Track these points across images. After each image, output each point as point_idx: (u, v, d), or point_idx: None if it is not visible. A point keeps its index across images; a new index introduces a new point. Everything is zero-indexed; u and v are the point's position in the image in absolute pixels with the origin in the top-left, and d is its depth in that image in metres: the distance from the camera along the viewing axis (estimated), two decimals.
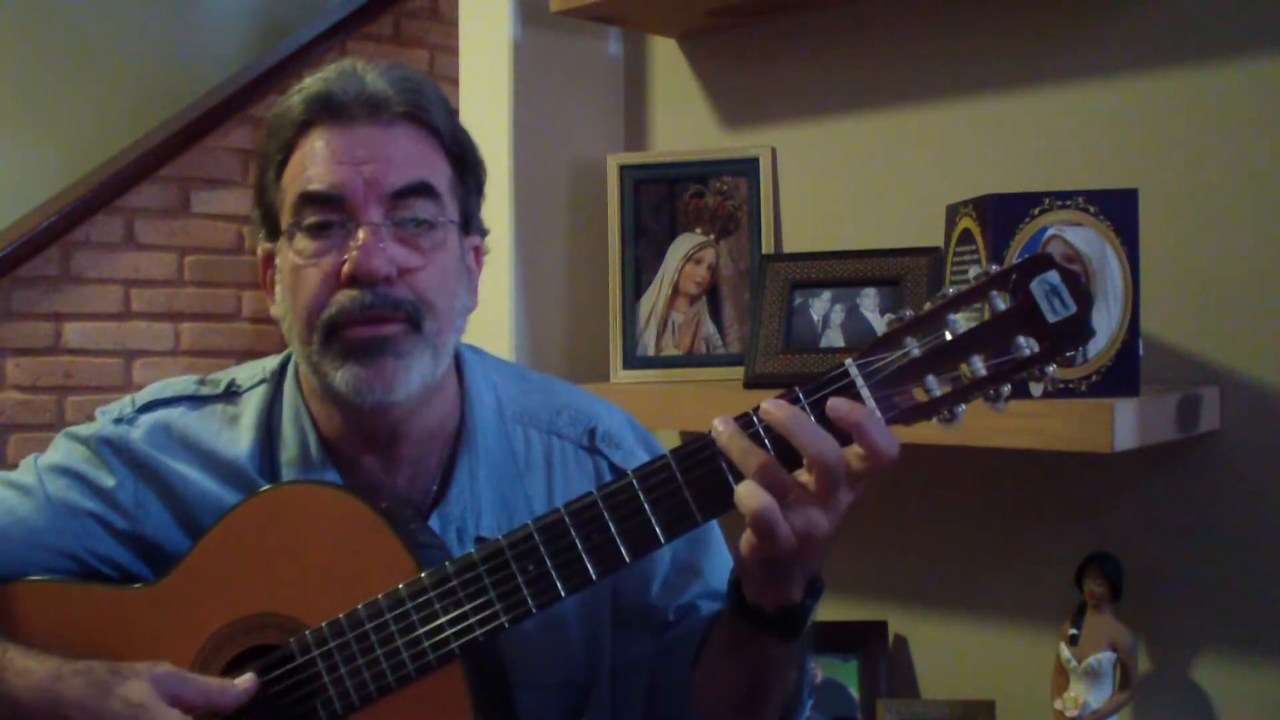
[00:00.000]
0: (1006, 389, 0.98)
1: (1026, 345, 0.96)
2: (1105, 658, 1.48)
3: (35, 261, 3.23)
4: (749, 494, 0.95)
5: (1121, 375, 1.34)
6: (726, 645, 1.10)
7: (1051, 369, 0.97)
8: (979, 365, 0.97)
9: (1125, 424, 1.29)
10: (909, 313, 0.98)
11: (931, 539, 1.74)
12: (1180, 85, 1.52)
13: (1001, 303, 0.97)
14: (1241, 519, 1.48)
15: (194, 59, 3.72)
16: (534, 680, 1.19)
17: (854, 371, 0.98)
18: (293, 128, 1.16)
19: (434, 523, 1.19)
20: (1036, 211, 1.37)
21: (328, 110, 1.15)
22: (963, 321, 0.98)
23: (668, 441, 1.97)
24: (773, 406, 0.97)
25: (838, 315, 1.67)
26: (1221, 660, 1.50)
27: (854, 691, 1.73)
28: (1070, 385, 1.35)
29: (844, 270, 1.69)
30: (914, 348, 0.97)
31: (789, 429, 0.96)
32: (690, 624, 1.22)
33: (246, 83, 3.53)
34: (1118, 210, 1.36)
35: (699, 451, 1.01)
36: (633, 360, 1.89)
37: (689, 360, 1.88)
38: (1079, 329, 0.97)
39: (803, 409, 0.98)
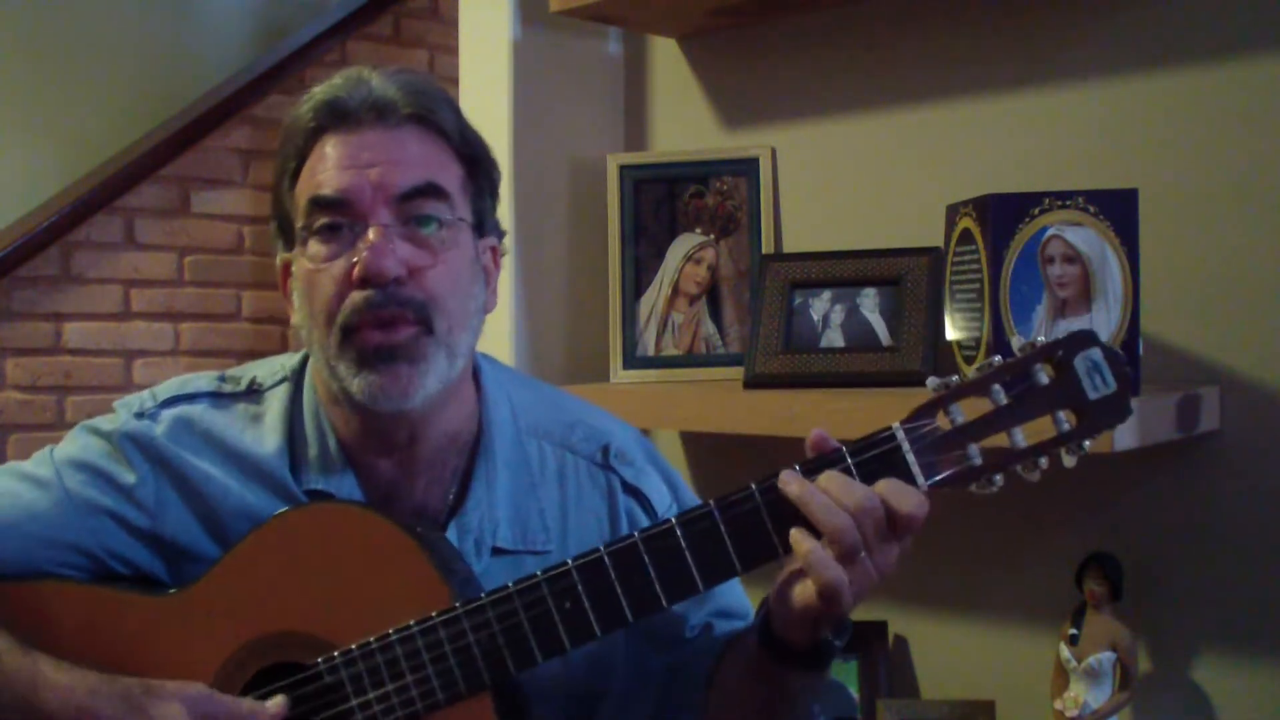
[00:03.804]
0: (1044, 461, 1.01)
1: (1066, 420, 1.00)
2: (1105, 658, 1.48)
3: (35, 261, 3.22)
4: (824, 565, 0.98)
5: None
6: (747, 671, 1.12)
7: (1088, 444, 1.00)
8: (1019, 437, 1.00)
9: (1125, 424, 1.28)
10: (955, 379, 1.02)
11: (931, 539, 1.72)
12: (1180, 85, 1.52)
13: (1044, 375, 1.00)
14: (1241, 519, 1.48)
15: (194, 59, 3.71)
16: (544, 692, 1.18)
17: (900, 436, 1.01)
18: (303, 135, 1.17)
19: (451, 532, 1.19)
20: (1036, 211, 1.37)
21: (336, 116, 1.16)
22: (1006, 393, 1.00)
23: (668, 441, 1.98)
24: (827, 481, 1.00)
25: (838, 315, 1.67)
26: (1221, 660, 1.50)
27: (854, 691, 1.73)
28: None
29: (844, 270, 1.69)
30: (958, 416, 1.01)
31: (846, 502, 0.99)
32: (704, 643, 1.22)
33: (246, 83, 3.53)
34: (1118, 210, 1.36)
35: (743, 503, 1.03)
36: (633, 360, 1.89)
37: (689, 360, 1.88)
38: (1118, 408, 1.00)
39: (848, 470, 1.01)
